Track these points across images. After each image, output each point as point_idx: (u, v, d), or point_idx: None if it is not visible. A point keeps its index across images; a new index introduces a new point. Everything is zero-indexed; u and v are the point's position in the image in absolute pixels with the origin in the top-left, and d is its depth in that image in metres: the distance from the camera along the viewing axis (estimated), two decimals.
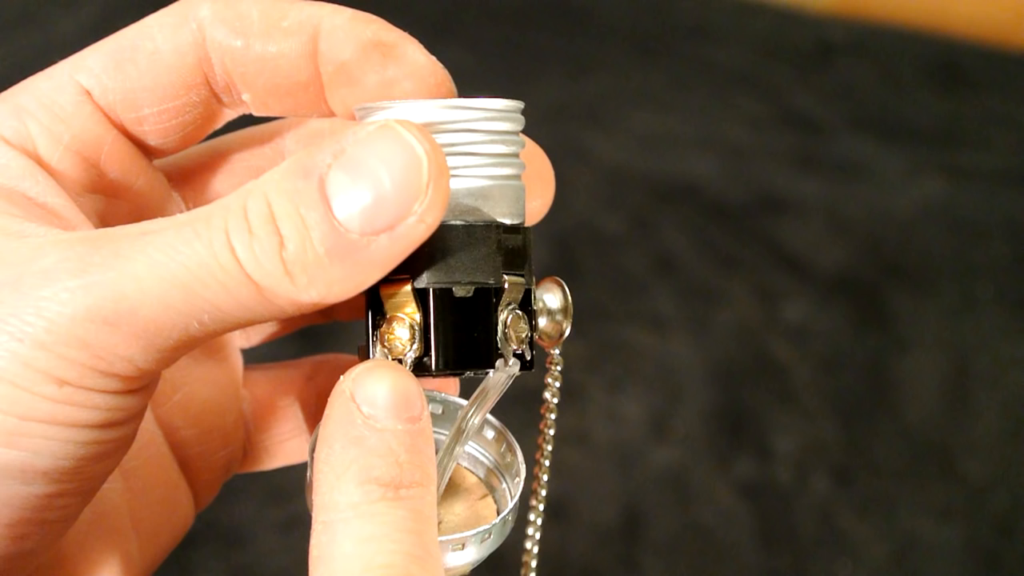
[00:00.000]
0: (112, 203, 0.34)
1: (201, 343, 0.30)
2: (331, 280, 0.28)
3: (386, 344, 0.31)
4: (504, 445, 0.35)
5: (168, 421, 0.37)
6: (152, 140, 0.34)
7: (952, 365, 0.93)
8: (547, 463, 0.36)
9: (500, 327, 0.31)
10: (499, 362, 0.32)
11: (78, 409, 0.29)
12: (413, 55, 0.32)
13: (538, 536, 0.37)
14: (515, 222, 0.32)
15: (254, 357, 0.41)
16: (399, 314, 0.31)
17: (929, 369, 0.93)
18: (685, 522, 0.81)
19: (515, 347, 0.32)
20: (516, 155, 0.32)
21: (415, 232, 0.28)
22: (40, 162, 0.32)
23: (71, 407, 0.29)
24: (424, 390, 0.31)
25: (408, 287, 0.31)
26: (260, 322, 0.29)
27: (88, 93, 0.33)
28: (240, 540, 0.76)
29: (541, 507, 0.36)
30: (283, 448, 0.41)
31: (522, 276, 0.32)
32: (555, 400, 0.35)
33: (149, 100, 0.33)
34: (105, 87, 0.33)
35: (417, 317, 0.31)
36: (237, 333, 0.39)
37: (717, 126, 1.17)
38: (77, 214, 0.32)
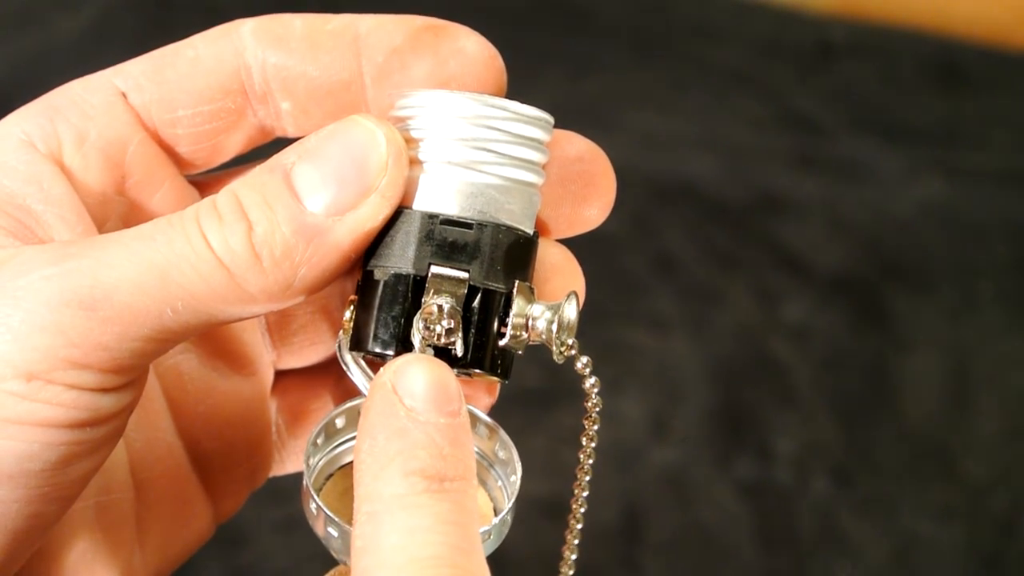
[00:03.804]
0: (136, 209, 0.34)
1: (178, 339, 0.30)
2: (298, 262, 0.29)
3: (343, 326, 0.32)
4: (498, 442, 0.34)
5: (190, 434, 0.37)
6: (183, 145, 0.34)
7: (952, 365, 0.93)
8: (587, 479, 0.37)
9: (419, 314, 0.31)
10: (412, 348, 0.32)
11: (49, 407, 0.28)
12: (466, 38, 0.34)
13: (573, 558, 0.37)
14: (464, 216, 0.32)
15: None
16: (352, 297, 0.32)
17: (929, 369, 0.93)
18: (685, 522, 0.81)
19: (435, 340, 0.31)
20: (513, 156, 0.32)
21: (377, 210, 0.30)
22: (61, 164, 0.32)
23: (39, 404, 0.28)
24: None
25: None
26: (236, 316, 0.30)
27: (123, 95, 0.33)
28: (240, 540, 0.76)
29: (579, 526, 0.37)
30: None
31: (464, 271, 0.32)
32: (595, 427, 0.36)
33: (185, 101, 0.33)
34: (142, 88, 0.33)
35: (354, 299, 0.32)
36: (265, 352, 0.39)
37: (717, 126, 1.17)
38: (80, 222, 0.32)
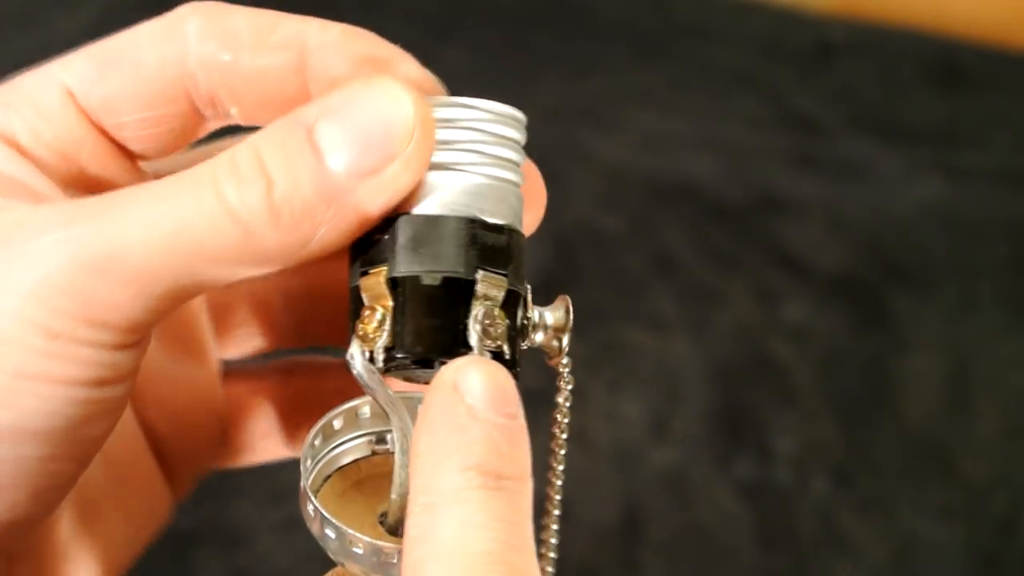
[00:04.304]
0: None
1: (190, 296, 0.30)
2: (318, 222, 0.29)
3: (359, 333, 0.31)
4: None
5: (145, 416, 0.37)
6: (132, 145, 0.34)
7: (952, 365, 0.93)
8: (559, 483, 0.37)
9: (472, 320, 0.31)
10: (465, 353, 0.32)
11: (71, 364, 0.29)
12: (407, 70, 0.33)
13: (552, 556, 0.37)
14: (500, 221, 0.32)
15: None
16: (375, 304, 0.31)
17: (929, 369, 0.93)
18: (685, 522, 0.81)
19: (489, 343, 0.32)
20: (512, 161, 0.33)
21: (399, 178, 0.30)
22: (24, 153, 0.32)
23: (63, 362, 0.29)
24: (404, 393, 0.32)
25: (383, 276, 0.31)
26: (249, 275, 0.30)
27: (71, 94, 0.33)
28: (240, 540, 0.76)
29: (556, 512, 0.37)
30: (258, 446, 0.41)
31: (503, 275, 0.32)
32: (565, 420, 0.36)
33: (129, 108, 0.33)
34: (87, 91, 0.33)
35: (390, 305, 0.31)
36: (212, 341, 0.39)
37: (717, 126, 1.17)
38: (58, 196, 0.32)
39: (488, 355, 0.32)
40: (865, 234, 1.05)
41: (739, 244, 1.02)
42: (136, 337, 0.30)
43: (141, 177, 0.35)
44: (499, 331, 0.32)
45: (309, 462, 0.34)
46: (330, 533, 0.31)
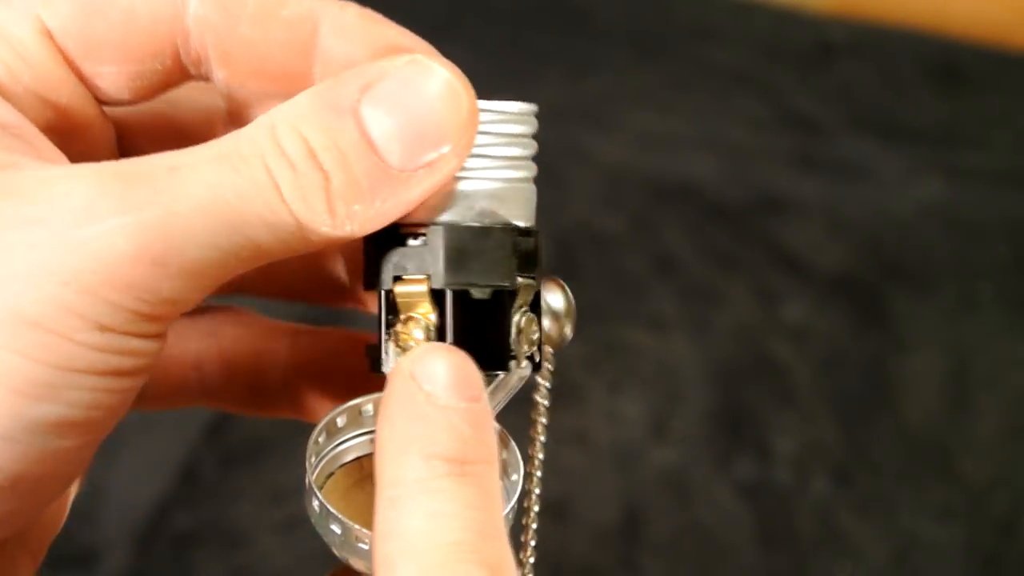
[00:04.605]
0: (64, 143, 0.32)
1: (226, 279, 0.29)
2: (369, 216, 0.28)
3: (400, 344, 0.31)
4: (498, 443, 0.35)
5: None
6: (104, 89, 0.33)
7: (952, 365, 0.93)
8: (539, 475, 0.36)
9: (514, 329, 0.32)
10: (512, 364, 0.32)
11: (117, 356, 0.28)
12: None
13: (533, 543, 0.37)
14: (528, 225, 0.32)
15: None
16: (414, 314, 0.31)
17: (929, 369, 0.93)
18: (685, 522, 0.81)
19: (526, 349, 0.32)
20: (530, 158, 0.32)
21: (451, 166, 0.29)
22: (6, 95, 0.31)
23: (110, 355, 0.28)
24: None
25: (424, 287, 0.31)
26: (287, 256, 0.29)
27: (49, 33, 0.31)
28: (240, 540, 0.76)
29: (534, 526, 0.36)
30: (174, 396, 0.39)
31: (533, 278, 0.32)
32: (546, 403, 0.36)
33: (111, 57, 0.32)
34: (68, 31, 0.31)
35: (432, 318, 0.31)
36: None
37: (717, 126, 1.17)
38: (50, 147, 0.31)
39: (527, 362, 0.32)
40: (865, 234, 1.05)
41: (739, 244, 1.02)
42: (173, 321, 0.29)
43: (106, 123, 0.33)
44: (534, 336, 0.32)
45: (313, 459, 0.34)
46: (335, 528, 0.31)
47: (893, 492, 0.84)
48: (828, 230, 1.05)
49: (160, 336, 0.29)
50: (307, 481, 0.32)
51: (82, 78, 0.32)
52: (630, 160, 1.10)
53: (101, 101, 0.33)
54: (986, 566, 0.80)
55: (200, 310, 0.39)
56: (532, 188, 0.32)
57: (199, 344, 0.39)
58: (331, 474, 0.35)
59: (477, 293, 0.31)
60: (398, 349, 0.31)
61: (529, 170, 0.32)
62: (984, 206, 1.08)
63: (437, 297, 0.31)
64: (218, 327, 0.39)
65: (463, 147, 0.29)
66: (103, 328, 0.28)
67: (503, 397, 0.33)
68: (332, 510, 0.32)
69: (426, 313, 0.31)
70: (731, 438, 0.86)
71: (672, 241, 1.01)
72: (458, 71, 0.29)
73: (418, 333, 0.31)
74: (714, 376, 0.90)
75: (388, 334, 0.31)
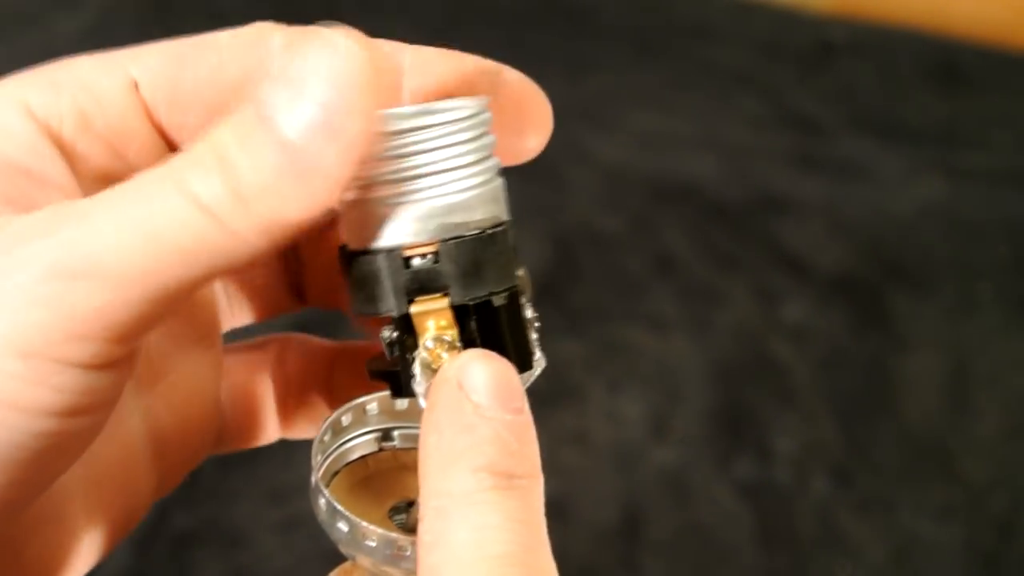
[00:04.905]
0: None
1: (180, 296, 0.29)
2: (286, 196, 0.27)
3: (430, 363, 0.31)
4: None
5: (150, 410, 0.36)
6: (187, 142, 0.32)
7: (952, 365, 0.93)
8: None
9: (528, 326, 0.32)
10: (535, 360, 0.32)
11: (45, 389, 0.27)
12: (510, 76, 0.33)
13: None
14: (504, 217, 0.32)
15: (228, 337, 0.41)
16: (440, 334, 0.31)
17: (929, 369, 0.93)
18: (685, 522, 0.81)
19: (536, 341, 0.32)
20: (490, 146, 0.32)
21: (363, 130, 0.28)
22: (60, 141, 0.31)
23: (37, 387, 0.27)
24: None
25: (443, 304, 0.31)
26: (234, 264, 0.28)
27: (135, 84, 0.32)
28: (240, 540, 0.76)
29: None
30: (255, 433, 0.40)
31: (523, 268, 0.32)
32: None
33: (197, 110, 0.32)
34: (157, 84, 0.32)
35: (454, 332, 0.31)
36: (224, 315, 0.38)
37: (717, 126, 1.17)
38: (78, 191, 0.31)
39: (539, 352, 0.32)
40: (865, 234, 1.05)
41: (739, 244, 1.02)
42: (121, 352, 0.28)
43: None
44: (536, 325, 0.32)
45: (319, 457, 0.34)
46: (342, 526, 0.31)
47: (893, 492, 0.84)
48: (828, 230, 1.05)
49: (105, 365, 0.28)
50: (313, 479, 0.33)
51: (163, 132, 0.32)
52: (630, 160, 1.10)
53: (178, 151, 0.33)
54: (986, 566, 0.80)
55: (259, 344, 0.39)
56: (499, 181, 0.32)
57: (265, 376, 0.39)
58: (336, 472, 0.35)
59: (497, 300, 0.31)
60: (428, 371, 0.31)
61: (492, 160, 0.32)
62: (984, 206, 1.08)
63: (460, 313, 0.31)
64: (282, 355, 0.39)
65: (369, 108, 0.28)
66: (27, 354, 0.27)
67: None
68: (339, 507, 0.32)
69: (445, 327, 0.31)
70: (731, 438, 0.86)
71: (672, 241, 1.02)
72: (356, 35, 0.28)
73: (442, 350, 0.31)
74: (714, 376, 0.90)
75: (411, 356, 0.31)
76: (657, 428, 0.87)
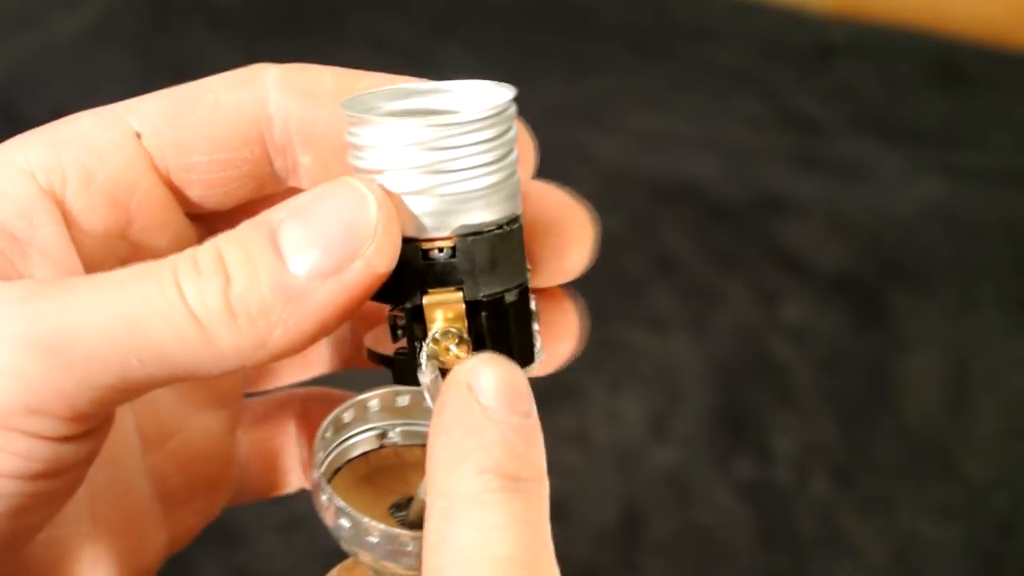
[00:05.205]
0: (138, 254, 0.33)
1: (141, 390, 0.29)
2: (274, 322, 0.28)
3: (436, 357, 0.31)
4: None
5: (158, 468, 0.36)
6: (194, 190, 0.33)
7: (952, 365, 0.93)
8: None
9: (535, 323, 0.32)
10: (537, 355, 0.32)
11: (6, 456, 0.28)
12: (553, 197, 0.34)
13: None
14: (518, 213, 0.32)
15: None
16: (448, 327, 0.31)
17: (929, 369, 0.93)
18: (685, 522, 0.81)
19: (537, 328, 0.32)
20: (512, 141, 0.32)
21: (362, 278, 0.29)
22: (61, 202, 0.31)
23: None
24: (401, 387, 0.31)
25: (456, 298, 0.31)
26: (204, 373, 0.29)
27: (138, 136, 0.32)
28: (240, 540, 0.76)
29: None
30: (276, 487, 0.40)
31: (527, 264, 0.32)
32: None
33: (202, 148, 0.32)
34: (158, 130, 0.32)
35: (463, 325, 0.31)
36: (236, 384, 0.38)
37: (717, 126, 1.17)
38: (66, 263, 0.31)
39: (540, 345, 0.32)
40: (865, 234, 1.05)
41: (739, 244, 1.02)
42: (80, 429, 0.28)
43: (188, 233, 0.34)
44: (539, 321, 0.32)
45: (321, 454, 0.34)
46: (344, 522, 0.31)
47: (893, 492, 0.84)
48: (828, 230, 1.05)
49: (67, 440, 0.28)
50: (315, 476, 0.33)
51: (169, 180, 0.33)
52: (630, 160, 1.10)
53: (190, 208, 0.34)
54: (986, 566, 0.80)
55: (284, 399, 0.40)
56: (516, 176, 0.32)
57: (290, 430, 0.39)
58: (338, 469, 0.35)
59: (509, 297, 0.31)
60: (434, 362, 0.31)
61: (513, 155, 0.32)
62: (984, 206, 1.08)
63: (472, 308, 0.31)
64: (306, 409, 0.40)
65: (376, 256, 0.29)
66: None
67: None
68: (341, 504, 0.32)
69: (453, 321, 0.31)
70: (731, 438, 0.86)
71: (672, 241, 1.02)
72: (378, 190, 0.29)
73: (454, 344, 0.31)
74: (714, 376, 0.90)
75: (419, 346, 0.31)
76: (657, 428, 0.87)
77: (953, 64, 1.27)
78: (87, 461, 0.30)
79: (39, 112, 0.97)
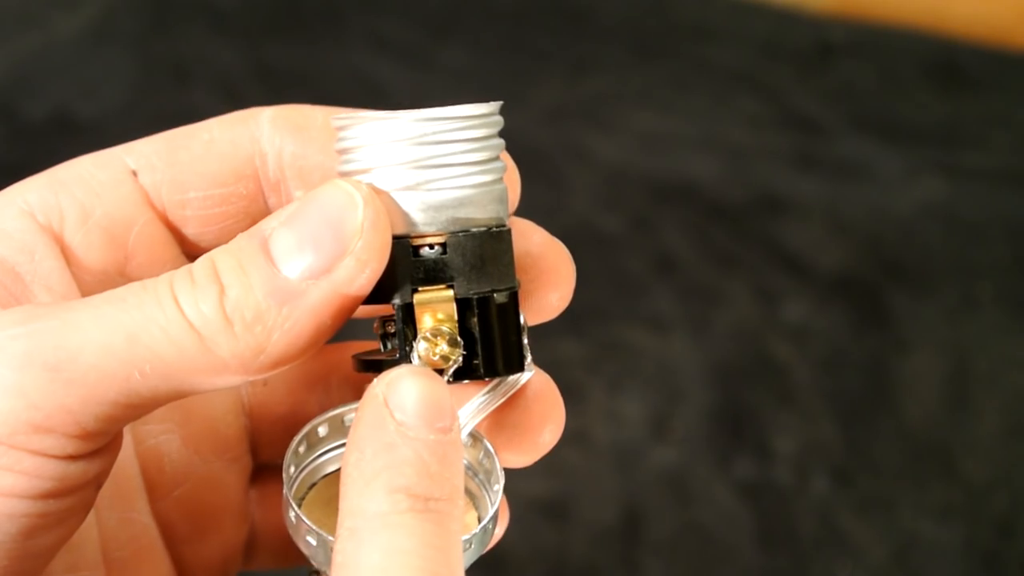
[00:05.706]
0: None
1: (147, 406, 0.29)
2: (271, 327, 0.28)
3: (428, 355, 0.31)
4: (482, 451, 0.34)
5: (165, 516, 0.36)
6: (191, 227, 0.34)
7: (952, 365, 0.93)
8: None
9: (524, 327, 0.32)
10: (526, 363, 0.32)
11: (8, 474, 0.28)
12: (538, 239, 0.34)
13: None
14: (507, 220, 0.32)
15: None
16: (439, 326, 0.31)
17: (929, 369, 0.93)
18: (685, 522, 0.81)
19: (527, 342, 0.32)
20: (498, 150, 0.32)
21: (353, 275, 0.29)
22: (60, 239, 0.32)
23: (7, 473, 0.27)
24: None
25: (447, 296, 0.31)
26: (207, 385, 0.29)
27: (134, 174, 0.33)
28: None
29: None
30: (292, 560, 0.40)
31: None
32: None
33: (197, 183, 0.33)
34: (154, 167, 0.33)
35: (453, 325, 0.31)
36: (246, 442, 0.38)
37: (717, 126, 1.17)
38: (68, 298, 0.31)
39: (529, 357, 0.32)
40: (865, 234, 1.05)
41: (739, 244, 1.02)
42: (87, 447, 0.28)
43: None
44: (526, 328, 0.32)
45: (293, 469, 0.33)
46: (312, 541, 0.31)
47: (893, 492, 0.84)
48: (828, 230, 1.05)
49: (74, 458, 0.28)
50: (284, 493, 0.32)
51: (165, 217, 0.33)
52: (630, 160, 1.10)
53: (187, 247, 0.34)
54: (986, 566, 0.80)
55: None
56: (503, 184, 0.32)
57: None
58: (313, 485, 0.34)
59: (499, 298, 0.31)
60: (421, 358, 0.31)
61: (499, 162, 0.32)
62: (984, 206, 1.08)
63: (462, 306, 0.31)
64: None
65: (365, 250, 0.29)
66: None
67: (502, 397, 0.33)
68: (307, 522, 0.31)
69: (443, 321, 0.31)
70: (731, 438, 0.86)
71: (672, 241, 1.01)
72: (364, 187, 0.30)
73: (442, 341, 0.31)
74: (714, 376, 0.90)
75: (409, 345, 0.31)
76: (657, 428, 0.87)
77: (953, 64, 1.27)
78: (96, 482, 0.30)
79: (39, 112, 0.97)
